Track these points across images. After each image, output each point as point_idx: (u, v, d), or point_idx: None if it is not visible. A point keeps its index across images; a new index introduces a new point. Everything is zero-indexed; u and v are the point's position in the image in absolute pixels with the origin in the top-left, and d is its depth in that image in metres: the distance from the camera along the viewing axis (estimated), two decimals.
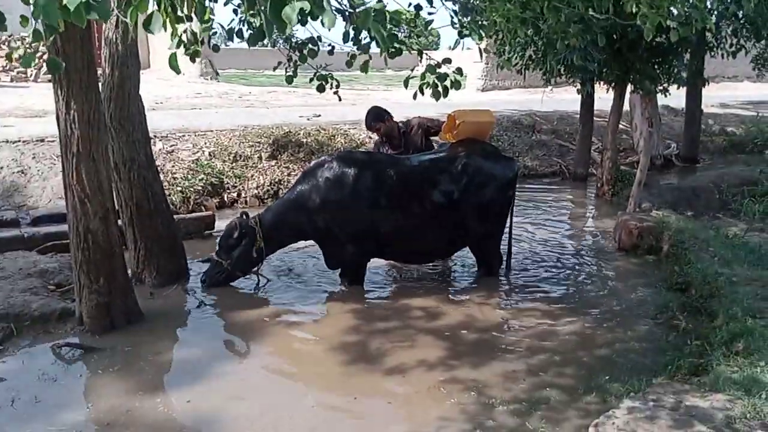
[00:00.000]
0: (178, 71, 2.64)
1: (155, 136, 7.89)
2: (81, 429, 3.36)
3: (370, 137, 9.93)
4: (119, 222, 4.84)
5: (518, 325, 4.68)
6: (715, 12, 7.79)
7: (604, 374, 3.84)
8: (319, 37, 4.17)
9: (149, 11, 2.32)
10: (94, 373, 3.93)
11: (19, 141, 7.77)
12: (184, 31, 2.63)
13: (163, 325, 4.60)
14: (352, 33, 3.51)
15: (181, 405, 3.59)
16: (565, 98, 12.55)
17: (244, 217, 5.23)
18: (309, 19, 2.51)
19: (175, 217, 5.84)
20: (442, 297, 5.12)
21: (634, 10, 3.28)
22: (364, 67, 3.60)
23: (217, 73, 4.65)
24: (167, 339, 4.44)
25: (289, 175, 8.54)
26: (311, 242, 5.49)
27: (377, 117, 5.77)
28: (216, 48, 4.18)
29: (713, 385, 3.29)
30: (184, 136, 8.94)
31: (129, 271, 4.81)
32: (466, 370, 3.95)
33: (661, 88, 8.04)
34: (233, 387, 3.76)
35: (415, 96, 3.54)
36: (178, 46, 2.60)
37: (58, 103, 4.07)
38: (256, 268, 5.32)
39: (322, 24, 2.33)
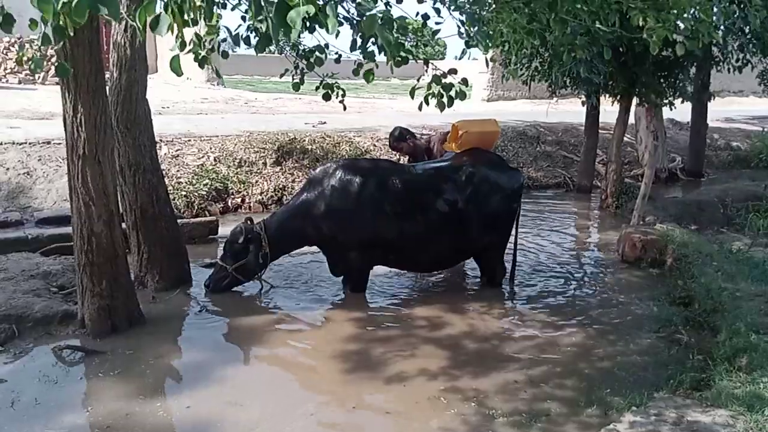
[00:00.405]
0: (179, 74, 2.65)
1: (161, 141, 7.92)
2: None
3: (375, 145, 9.97)
4: (123, 225, 4.85)
5: (520, 336, 4.66)
6: (722, 27, 7.80)
7: (606, 387, 3.82)
8: (327, 45, 4.19)
9: (157, 13, 2.33)
10: (95, 376, 3.92)
11: (26, 143, 7.81)
12: (191, 38, 2.64)
13: (164, 330, 4.60)
14: (359, 41, 3.53)
15: (181, 410, 3.58)
16: (570, 110, 12.58)
17: (249, 222, 5.24)
18: (315, 26, 2.52)
19: (179, 221, 5.85)
20: (444, 306, 5.10)
21: (640, 24, 3.29)
22: (367, 76, 3.61)
23: (219, 76, 4.69)
24: (168, 343, 4.44)
25: (293, 181, 8.56)
26: (315, 248, 5.50)
27: (399, 138, 6.16)
28: (225, 54, 4.20)
29: (715, 400, 3.27)
30: (189, 140, 8.97)
31: (132, 275, 4.82)
32: (467, 380, 3.94)
33: (666, 101, 8.04)
34: (233, 393, 3.74)
35: (420, 107, 3.55)
36: (181, 49, 2.60)
37: (65, 105, 4.09)
38: (259, 274, 5.32)
39: (327, 30, 2.34)
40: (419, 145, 6.19)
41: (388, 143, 6.26)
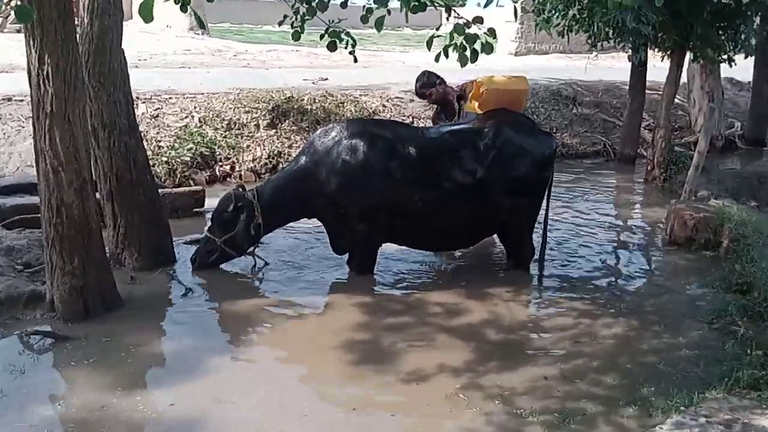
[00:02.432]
0: (148, 20, 2.63)
1: (138, 98, 7.92)
2: (51, 426, 3.42)
3: (384, 105, 9.94)
4: (97, 195, 4.87)
5: (551, 326, 4.69)
6: None
7: (649, 385, 3.84)
8: None
9: None
10: (67, 365, 3.98)
11: None
12: None
13: (145, 314, 4.65)
14: None
15: (162, 405, 3.64)
16: (613, 66, 12.47)
17: (241, 189, 5.26)
18: None
19: (160, 191, 5.87)
20: (463, 291, 5.13)
21: None
22: (378, 24, 3.59)
23: (203, 26, 4.72)
24: (149, 330, 4.48)
25: (290, 146, 8.59)
26: (315, 221, 5.51)
27: (428, 83, 5.95)
28: None
29: None
30: (170, 98, 8.98)
31: (107, 252, 4.86)
32: (491, 376, 3.97)
33: (725, 57, 7.95)
34: (220, 387, 3.79)
35: (437, 58, 3.51)
36: None
37: (29, 56, 4.09)
38: (252, 248, 5.36)
39: None
40: (450, 90, 5.99)
41: (414, 90, 6.13)
